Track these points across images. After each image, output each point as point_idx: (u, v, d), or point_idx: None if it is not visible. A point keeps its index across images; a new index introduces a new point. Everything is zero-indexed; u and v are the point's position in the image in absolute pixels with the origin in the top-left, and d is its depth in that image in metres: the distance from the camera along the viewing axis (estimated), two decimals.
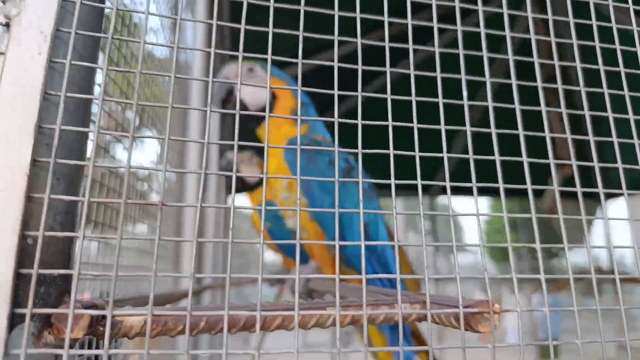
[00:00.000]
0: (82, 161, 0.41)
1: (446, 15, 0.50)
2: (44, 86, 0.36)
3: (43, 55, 0.36)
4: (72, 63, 0.37)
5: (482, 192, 0.46)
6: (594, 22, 0.53)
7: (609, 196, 0.48)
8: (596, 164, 0.48)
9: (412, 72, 0.46)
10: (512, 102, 0.48)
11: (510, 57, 0.50)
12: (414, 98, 0.45)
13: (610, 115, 0.50)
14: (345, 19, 0.45)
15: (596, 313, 0.42)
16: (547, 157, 0.48)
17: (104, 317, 0.35)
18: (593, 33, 0.53)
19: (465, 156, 0.45)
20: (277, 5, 0.44)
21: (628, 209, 0.52)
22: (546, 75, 0.52)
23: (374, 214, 1.17)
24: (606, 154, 0.50)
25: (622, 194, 0.48)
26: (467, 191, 0.45)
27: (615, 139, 0.49)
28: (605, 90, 0.51)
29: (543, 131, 0.48)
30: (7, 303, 0.32)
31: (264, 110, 1.30)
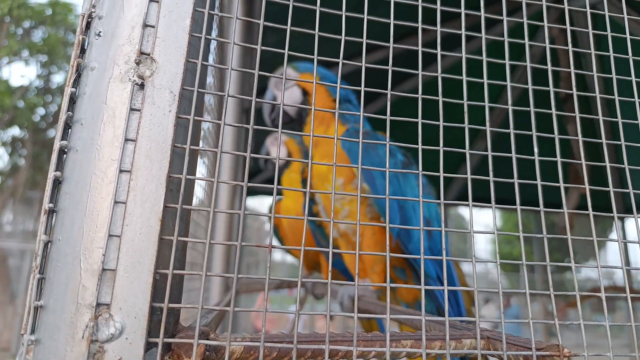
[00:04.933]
0: (190, 205, 0.45)
1: (473, 25, 0.53)
2: (173, 140, 0.40)
3: (172, 112, 0.41)
4: (195, 119, 0.42)
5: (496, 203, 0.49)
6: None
7: (626, 211, 0.51)
8: (630, 189, 0.51)
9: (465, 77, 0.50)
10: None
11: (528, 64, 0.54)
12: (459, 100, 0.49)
13: (621, 120, 0.53)
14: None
15: (603, 330, 0.44)
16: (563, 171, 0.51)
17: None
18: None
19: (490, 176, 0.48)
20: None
21: None
22: (564, 95, 0.55)
23: (437, 214, 1.14)
24: (621, 160, 0.54)
25: None
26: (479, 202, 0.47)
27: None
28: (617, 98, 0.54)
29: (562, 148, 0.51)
30: (144, 333, 0.37)
31: (300, 109, 1.24)
